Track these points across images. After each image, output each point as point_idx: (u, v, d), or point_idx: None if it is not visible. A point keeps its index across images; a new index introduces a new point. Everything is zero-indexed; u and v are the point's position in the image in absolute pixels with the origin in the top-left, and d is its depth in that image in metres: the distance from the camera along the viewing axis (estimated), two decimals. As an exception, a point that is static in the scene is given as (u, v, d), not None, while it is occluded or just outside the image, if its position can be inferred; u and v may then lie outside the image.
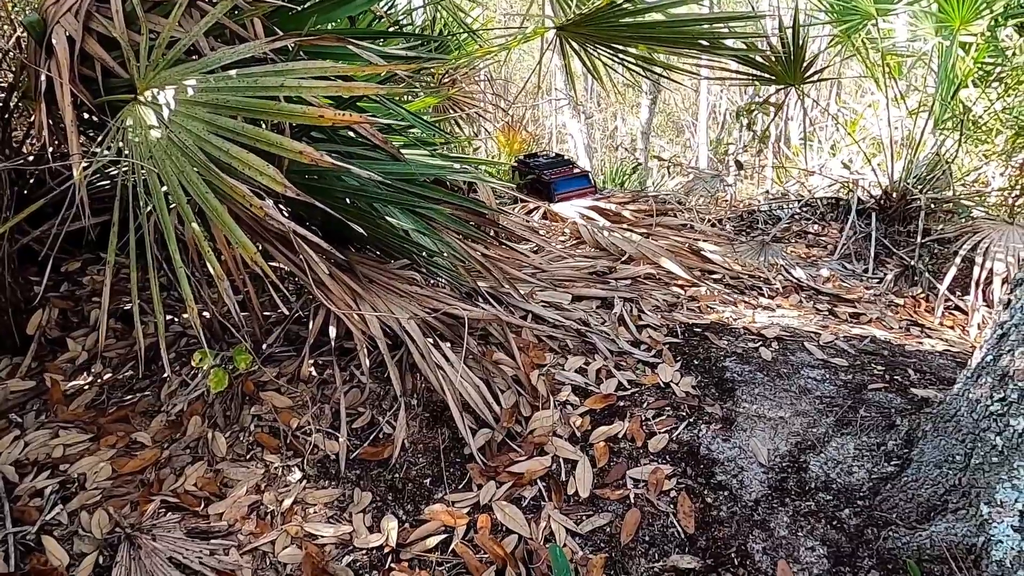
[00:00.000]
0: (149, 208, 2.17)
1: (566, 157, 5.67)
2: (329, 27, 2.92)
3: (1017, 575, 1.76)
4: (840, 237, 5.59)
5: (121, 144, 2.20)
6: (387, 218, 2.81)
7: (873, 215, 5.81)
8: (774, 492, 2.23)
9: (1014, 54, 5.14)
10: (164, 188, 2.09)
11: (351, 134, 2.90)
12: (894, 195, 5.87)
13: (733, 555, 2.07)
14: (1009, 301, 2.03)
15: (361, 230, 2.80)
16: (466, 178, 3.33)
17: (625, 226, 4.03)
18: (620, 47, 4.44)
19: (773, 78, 5.17)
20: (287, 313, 3.01)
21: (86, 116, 2.58)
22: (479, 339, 3.00)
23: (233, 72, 2.10)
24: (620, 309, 3.25)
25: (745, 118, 5.69)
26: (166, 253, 2.20)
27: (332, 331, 2.74)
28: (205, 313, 2.88)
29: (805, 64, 4.97)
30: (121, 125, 2.18)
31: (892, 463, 2.20)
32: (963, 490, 1.97)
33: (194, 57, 2.34)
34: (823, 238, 6.10)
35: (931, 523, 1.99)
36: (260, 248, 2.77)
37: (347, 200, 2.74)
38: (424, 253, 3.07)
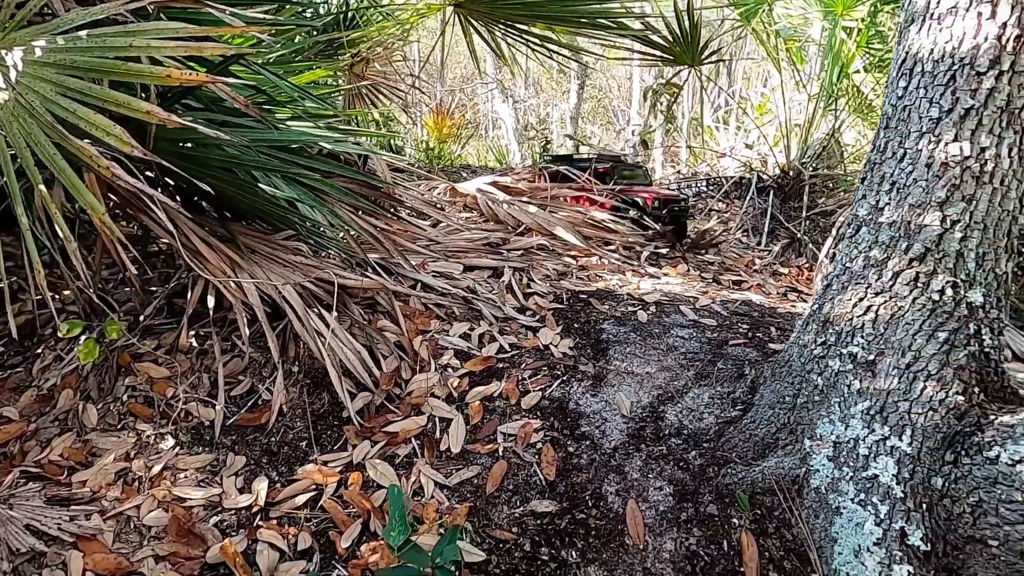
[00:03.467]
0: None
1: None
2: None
3: (829, 498, 1.94)
4: (740, 213, 5.86)
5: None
6: (269, 188, 2.81)
7: (771, 192, 6.11)
8: (631, 440, 2.37)
9: (894, 38, 5.48)
10: (11, 151, 2.04)
11: (233, 105, 2.87)
12: (791, 173, 6.19)
13: (588, 498, 2.19)
14: (835, 255, 2.21)
15: (239, 199, 2.80)
16: (357, 151, 3.34)
17: (524, 199, 4.12)
18: (524, 27, 4.52)
19: (672, 59, 5.35)
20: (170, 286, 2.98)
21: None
22: (366, 308, 3.04)
23: (83, 33, 2.06)
24: (509, 278, 3.35)
25: (652, 99, 5.86)
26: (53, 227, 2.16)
27: (211, 300, 2.72)
28: (80, 288, 2.81)
29: (702, 45, 5.16)
30: (-33, 88, 2.11)
31: (737, 408, 2.37)
32: (791, 427, 2.15)
33: (49, 18, 2.28)
34: (727, 215, 6.38)
35: (764, 460, 2.16)
36: (131, 216, 2.73)
37: (227, 170, 2.72)
38: (309, 224, 3.08)
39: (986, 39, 1.82)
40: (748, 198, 5.95)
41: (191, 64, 2.44)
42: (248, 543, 2.06)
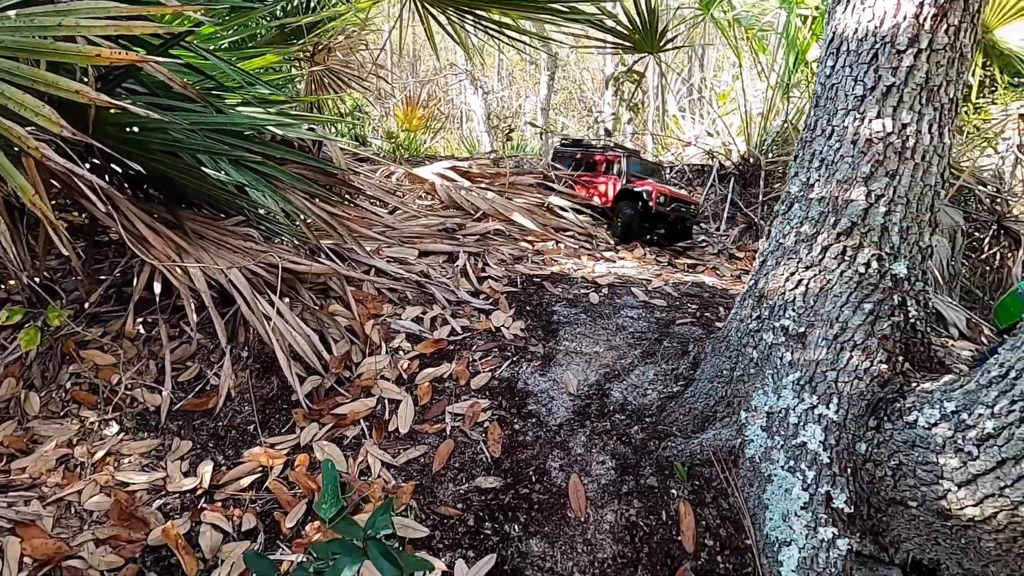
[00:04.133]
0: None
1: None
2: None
3: (762, 467, 1.99)
4: (701, 200, 5.94)
5: None
6: (215, 173, 2.78)
7: (732, 179, 6.20)
8: (577, 417, 2.41)
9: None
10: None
11: (180, 90, 2.84)
12: (750, 160, 6.29)
13: (532, 474, 2.23)
14: (770, 232, 2.26)
15: (186, 184, 2.77)
16: (310, 137, 3.32)
17: (483, 185, 4.14)
18: (480, 12, 4.52)
19: (632, 46, 5.40)
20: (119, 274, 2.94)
21: None
22: (318, 294, 3.04)
23: (12, 13, 2.03)
24: (464, 262, 3.36)
25: (614, 87, 5.90)
26: None
27: (157, 287, 2.70)
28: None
29: (660, 32, 5.21)
30: None
31: (679, 384, 2.42)
32: (728, 400, 2.21)
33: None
34: (689, 202, 6.44)
35: (703, 432, 2.21)
36: (78, 204, 2.70)
37: (170, 154, 2.69)
38: (261, 211, 3.06)
39: (905, 18, 1.87)
40: (708, 185, 6.03)
41: (127, 44, 2.41)
42: (192, 525, 2.05)
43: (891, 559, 1.95)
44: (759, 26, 6.49)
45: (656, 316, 2.97)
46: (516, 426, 2.40)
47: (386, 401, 2.54)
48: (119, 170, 3.00)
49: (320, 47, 6.19)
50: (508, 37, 4.88)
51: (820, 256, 2.05)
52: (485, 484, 2.19)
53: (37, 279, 2.83)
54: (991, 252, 5.10)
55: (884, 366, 1.92)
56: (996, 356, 1.65)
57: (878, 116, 1.94)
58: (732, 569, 1.96)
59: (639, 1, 4.83)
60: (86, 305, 2.77)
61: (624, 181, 4.83)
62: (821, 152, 2.07)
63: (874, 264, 1.98)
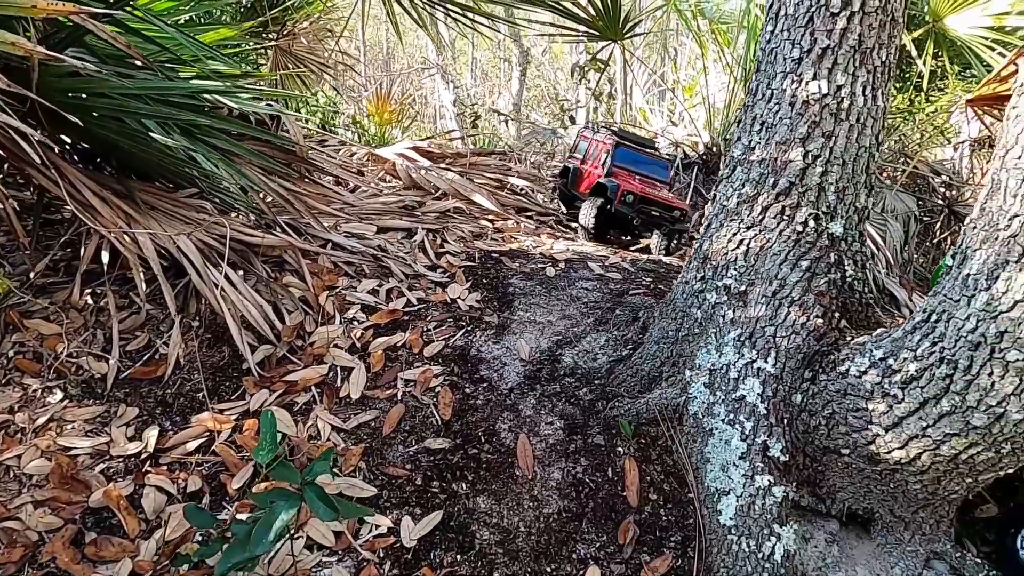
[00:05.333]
0: None
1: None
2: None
3: (704, 422, 2.03)
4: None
5: None
6: (162, 138, 2.75)
7: (696, 168, 6.30)
8: (527, 381, 2.43)
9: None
10: None
11: (130, 59, 2.80)
12: (713, 149, 6.39)
13: (481, 435, 2.24)
14: (715, 196, 2.31)
15: (134, 153, 2.74)
16: (266, 111, 3.30)
17: (443, 166, 4.14)
18: None
19: (597, 33, 5.45)
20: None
21: None
22: (273, 267, 3.01)
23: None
24: (422, 237, 3.37)
25: (578, 75, 5.95)
26: None
27: (105, 256, 2.66)
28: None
29: (623, 19, 5.27)
30: None
31: (628, 348, 2.45)
32: (674, 360, 2.25)
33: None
34: (654, 190, 6.50)
35: (650, 392, 2.25)
36: (26, 177, 2.64)
37: (115, 119, 2.65)
38: (217, 183, 3.03)
39: (838, -19, 1.93)
40: (672, 173, 6.11)
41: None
42: (135, 488, 2.03)
43: (828, 510, 2.01)
44: (720, 17, 6.59)
45: (610, 288, 3.01)
46: (467, 390, 2.41)
47: (338, 368, 2.53)
48: (68, 143, 2.96)
49: (284, 31, 6.14)
50: (472, 20, 4.89)
51: (760, 216, 2.10)
52: (434, 445, 2.20)
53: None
54: (943, 236, 5.24)
55: (820, 320, 1.98)
56: (920, 306, 1.70)
57: (814, 78, 1.99)
58: (674, 521, 2.00)
59: (602, -13, 4.87)
60: (32, 275, 2.72)
61: (603, 172, 4.41)
62: (762, 116, 2.13)
63: (811, 223, 2.04)
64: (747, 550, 1.78)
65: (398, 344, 2.65)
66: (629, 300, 2.83)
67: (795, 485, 1.92)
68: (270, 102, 3.53)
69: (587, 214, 4.09)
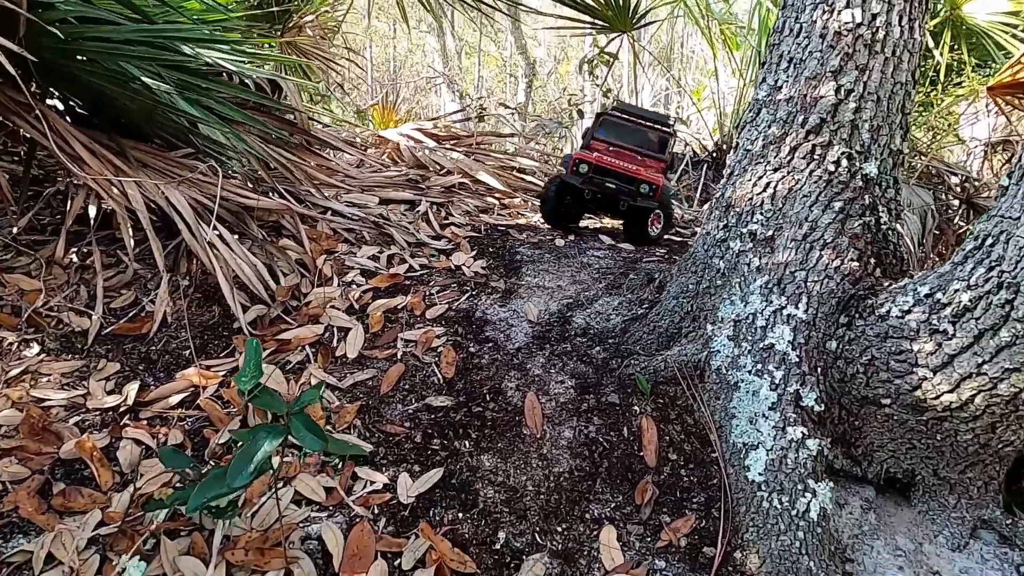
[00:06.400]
0: None
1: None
2: None
3: (728, 375, 1.87)
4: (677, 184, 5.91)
5: None
6: (152, 81, 2.62)
7: (705, 165, 6.19)
8: (535, 341, 2.28)
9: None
10: None
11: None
12: (723, 147, 6.28)
13: (486, 393, 2.08)
14: (737, 144, 2.17)
15: (125, 107, 2.62)
16: (263, 75, 3.19)
17: (448, 146, 4.02)
18: None
19: (607, 25, 5.36)
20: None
21: None
22: (270, 231, 2.88)
23: None
24: (426, 208, 3.23)
25: (587, 69, 5.89)
26: None
27: (92, 211, 2.54)
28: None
29: (633, 9, 5.18)
30: None
31: (644, 307, 2.30)
32: (694, 315, 2.09)
33: None
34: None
35: (668, 350, 2.09)
36: (14, 130, 2.53)
37: (110, 72, 2.54)
38: (214, 147, 2.91)
39: (873, -99, 1.81)
40: (681, 170, 6.01)
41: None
42: (111, 440, 1.88)
43: (864, 473, 1.84)
44: (728, 19, 6.52)
45: (623, 256, 2.87)
46: (471, 350, 2.26)
47: (335, 329, 2.38)
48: (56, 93, 2.85)
49: (290, 24, 6.08)
50: (480, 8, 4.79)
51: (788, 157, 1.96)
52: (436, 403, 2.05)
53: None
54: (964, 230, 5.09)
55: (855, 264, 1.83)
56: (970, 233, 1.55)
57: (847, 6, 1.87)
58: (697, 482, 1.83)
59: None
60: (15, 231, 2.59)
61: (579, 147, 3.64)
62: (789, 52, 2.00)
63: (844, 163, 1.90)
64: (779, 507, 1.61)
65: (399, 307, 2.50)
66: (643, 266, 2.68)
67: (829, 441, 1.75)
68: (273, 75, 3.42)
69: (543, 194, 3.40)
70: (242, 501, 1.73)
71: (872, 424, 1.75)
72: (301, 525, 1.67)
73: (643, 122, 3.64)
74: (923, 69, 5.65)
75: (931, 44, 4.78)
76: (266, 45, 4.84)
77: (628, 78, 7.33)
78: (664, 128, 3.61)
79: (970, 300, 1.47)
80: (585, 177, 3.20)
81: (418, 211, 3.22)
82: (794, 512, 1.60)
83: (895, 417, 1.69)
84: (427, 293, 2.58)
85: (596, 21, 5.35)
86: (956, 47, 5.13)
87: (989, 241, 1.46)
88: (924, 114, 5.44)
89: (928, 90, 5.50)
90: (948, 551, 1.79)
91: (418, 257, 2.85)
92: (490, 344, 2.28)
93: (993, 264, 1.43)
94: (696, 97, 8.32)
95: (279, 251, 2.71)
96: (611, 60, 5.70)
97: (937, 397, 1.57)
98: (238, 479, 1.32)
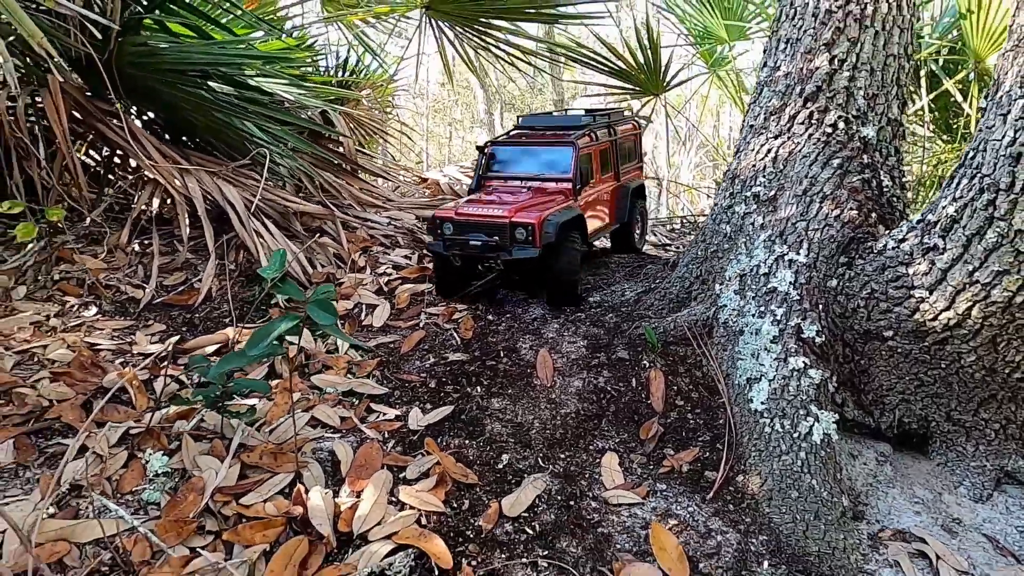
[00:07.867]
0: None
1: None
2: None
3: (734, 324, 1.91)
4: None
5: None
6: (218, 88, 2.96)
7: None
8: (551, 312, 2.36)
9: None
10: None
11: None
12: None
13: (501, 351, 2.16)
14: (743, 124, 2.30)
15: (192, 118, 2.95)
16: (317, 104, 3.55)
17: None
18: (484, 23, 4.69)
19: (639, 89, 5.69)
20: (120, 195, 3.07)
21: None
22: (313, 232, 3.11)
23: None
24: (458, 223, 3.41)
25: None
26: None
27: (156, 202, 2.82)
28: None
29: (664, 70, 5.50)
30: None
31: (655, 281, 2.37)
32: (703, 278, 2.15)
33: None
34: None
35: (678, 312, 2.14)
36: (91, 129, 2.87)
37: (180, 73, 2.87)
38: (270, 156, 3.22)
39: None
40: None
41: None
42: (150, 376, 2.02)
43: (877, 423, 1.81)
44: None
45: (641, 256, 2.95)
46: (490, 318, 2.35)
47: (364, 305, 2.53)
48: (138, 122, 3.22)
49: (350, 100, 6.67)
50: (514, 53, 5.06)
51: (788, 124, 2.07)
52: (452, 358, 2.13)
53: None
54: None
55: (855, 212, 1.89)
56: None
57: (836, -14, 2.03)
58: (703, 424, 1.83)
59: (641, 35, 5.14)
60: (87, 221, 2.88)
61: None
62: (786, 35, 2.16)
63: (841, 125, 2.00)
64: (780, 430, 1.61)
65: (425, 291, 2.64)
66: (660, 261, 2.76)
67: (835, 380, 1.75)
68: (326, 108, 3.78)
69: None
70: (261, 421, 1.83)
71: (878, 363, 1.75)
72: (315, 440, 1.75)
73: (547, 134, 2.74)
74: (954, 126, 5.72)
75: (959, 99, 4.88)
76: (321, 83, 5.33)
77: (663, 137, 7.63)
78: (577, 128, 2.72)
79: (956, 210, 1.51)
80: (447, 240, 2.40)
81: (451, 224, 3.40)
82: (796, 435, 1.60)
83: (899, 350, 1.69)
84: (453, 281, 2.71)
85: (627, 85, 5.69)
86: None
87: (971, 155, 1.52)
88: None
89: (958, 147, 5.55)
90: (969, 501, 1.72)
91: (448, 258, 3.00)
92: (508, 315, 2.38)
93: (975, 173, 1.49)
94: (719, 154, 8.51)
95: (319, 245, 2.92)
96: (645, 124, 5.99)
97: (935, 317, 1.58)
98: (255, 349, 1.44)
